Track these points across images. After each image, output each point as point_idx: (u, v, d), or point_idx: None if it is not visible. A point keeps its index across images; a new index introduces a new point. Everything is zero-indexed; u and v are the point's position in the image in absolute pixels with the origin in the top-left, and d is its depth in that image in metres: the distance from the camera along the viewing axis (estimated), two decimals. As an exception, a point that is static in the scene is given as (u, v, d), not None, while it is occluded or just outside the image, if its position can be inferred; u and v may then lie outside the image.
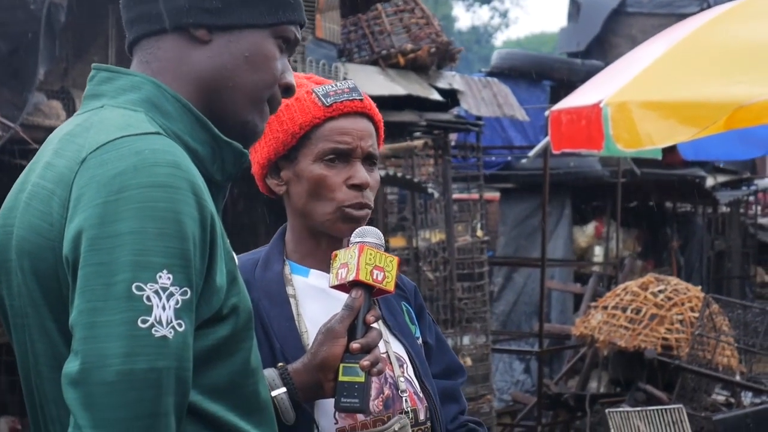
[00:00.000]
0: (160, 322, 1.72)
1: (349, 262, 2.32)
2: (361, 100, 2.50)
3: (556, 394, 10.44)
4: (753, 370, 9.47)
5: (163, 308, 1.73)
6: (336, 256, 2.37)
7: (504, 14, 52.07)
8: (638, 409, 7.35)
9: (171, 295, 1.74)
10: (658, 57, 5.85)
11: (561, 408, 10.48)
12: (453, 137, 10.17)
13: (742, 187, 17.17)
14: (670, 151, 14.54)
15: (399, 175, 7.33)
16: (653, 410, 7.12)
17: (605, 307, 9.84)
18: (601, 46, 15.63)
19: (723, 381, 9.21)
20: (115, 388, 1.68)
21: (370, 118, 2.53)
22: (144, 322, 1.71)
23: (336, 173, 2.46)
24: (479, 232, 9.67)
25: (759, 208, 19.20)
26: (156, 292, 1.73)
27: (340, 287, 2.35)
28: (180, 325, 1.74)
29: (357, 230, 2.40)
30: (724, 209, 17.67)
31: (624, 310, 9.67)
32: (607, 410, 7.25)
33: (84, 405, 1.69)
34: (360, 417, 2.41)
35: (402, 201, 9.59)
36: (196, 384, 1.80)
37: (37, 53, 5.70)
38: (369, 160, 2.51)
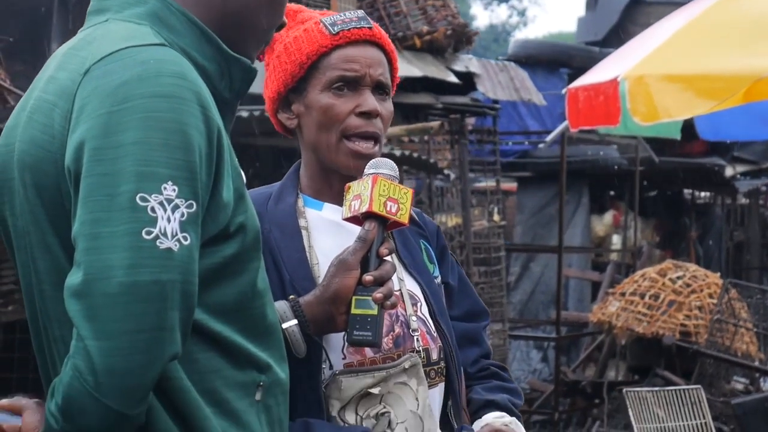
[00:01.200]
0: (164, 234, 1.68)
1: (362, 193, 2.27)
2: (370, 28, 2.44)
3: (574, 381, 10.39)
4: (773, 359, 9.40)
5: (168, 220, 1.69)
6: (349, 188, 2.32)
7: (522, 13, 51.93)
8: (657, 389, 7.28)
9: (176, 207, 1.70)
10: (676, 31, 5.81)
11: (578, 395, 10.43)
12: (470, 122, 10.12)
13: (762, 177, 17.06)
14: (689, 140, 14.54)
15: (415, 155, 7.27)
16: (672, 391, 7.07)
17: (623, 294, 9.79)
18: (619, 36, 15.52)
19: (742, 366, 9.14)
20: (118, 300, 1.64)
21: (381, 47, 2.46)
22: (148, 233, 1.68)
23: (344, 102, 2.40)
24: (496, 217, 9.61)
25: (777, 199, 19.07)
26: (161, 204, 1.69)
27: (354, 220, 2.30)
28: (185, 239, 1.70)
29: (371, 162, 2.33)
30: (743, 200, 17.57)
31: (642, 296, 9.62)
32: (624, 390, 7.19)
33: (87, 317, 1.65)
34: (369, 353, 2.36)
35: (419, 187, 9.56)
36: (201, 303, 1.76)
37: (50, 27, 5.68)
38: (380, 89, 2.44)
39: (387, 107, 2.45)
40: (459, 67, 8.91)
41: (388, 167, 2.31)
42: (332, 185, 2.45)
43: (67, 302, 1.68)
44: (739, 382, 9.59)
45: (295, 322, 2.22)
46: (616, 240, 14.15)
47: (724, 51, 5.61)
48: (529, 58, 13.71)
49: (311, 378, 2.30)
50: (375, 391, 2.32)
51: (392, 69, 2.49)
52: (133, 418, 1.68)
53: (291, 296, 2.26)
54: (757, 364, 9.15)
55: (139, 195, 1.68)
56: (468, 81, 9.08)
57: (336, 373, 2.32)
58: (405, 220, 2.28)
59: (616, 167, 13.19)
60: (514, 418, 2.51)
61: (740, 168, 15.66)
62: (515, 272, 13.43)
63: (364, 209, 2.25)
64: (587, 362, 11.07)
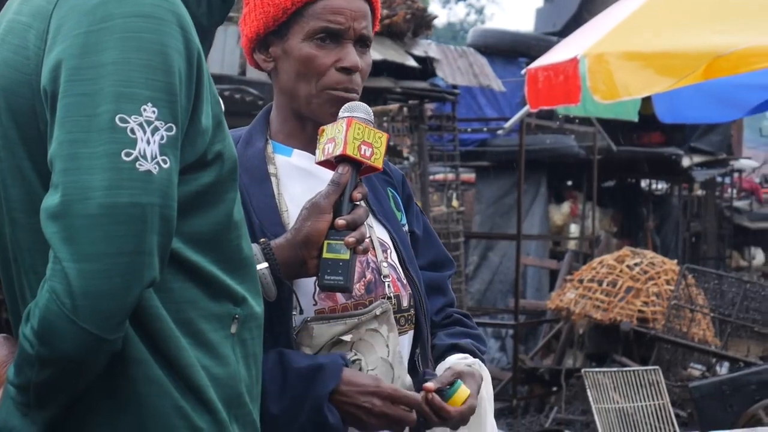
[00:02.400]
0: (144, 156, 1.65)
1: (336, 136, 2.23)
2: None
3: (532, 368, 10.41)
4: (728, 347, 9.44)
5: (148, 142, 1.65)
6: (323, 131, 2.28)
7: (480, 11, 51.99)
8: (615, 369, 7.29)
9: (156, 129, 1.66)
10: (636, 9, 5.78)
11: (536, 383, 10.45)
12: (429, 108, 10.11)
13: (718, 168, 17.18)
14: (646, 130, 14.60)
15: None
16: (630, 372, 7.07)
17: (581, 281, 9.81)
18: (577, 26, 15.52)
19: (698, 351, 9.18)
20: (97, 221, 1.61)
21: None
22: (128, 155, 1.64)
23: (325, 54, 2.36)
24: (455, 203, 9.61)
25: (734, 191, 19.21)
26: (140, 125, 1.65)
27: (327, 164, 2.26)
28: (165, 162, 1.67)
29: (346, 105, 2.30)
30: (699, 191, 17.69)
31: (600, 283, 9.64)
32: (583, 371, 7.19)
33: (64, 238, 1.61)
34: (340, 300, 2.33)
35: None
36: (178, 231, 1.72)
37: None
38: (362, 42, 2.40)
39: (367, 60, 2.42)
40: (418, 51, 8.89)
41: (363, 111, 2.28)
42: (304, 130, 2.42)
43: (44, 225, 1.64)
44: (695, 369, 9.63)
45: (266, 265, 2.19)
46: (574, 229, 14.19)
47: (684, 29, 5.60)
48: (488, 48, 13.67)
49: (282, 324, 2.27)
50: (346, 338, 2.30)
51: (375, 19, 2.46)
52: (110, 343, 1.64)
53: (262, 239, 2.23)
54: (713, 349, 9.20)
55: (118, 116, 1.64)
56: (427, 66, 9.05)
57: (307, 319, 2.29)
58: (379, 164, 2.26)
59: (574, 156, 13.22)
60: (477, 360, 2.50)
61: (697, 158, 15.75)
62: (474, 262, 13.43)
63: (338, 152, 2.22)
64: (545, 350, 11.10)
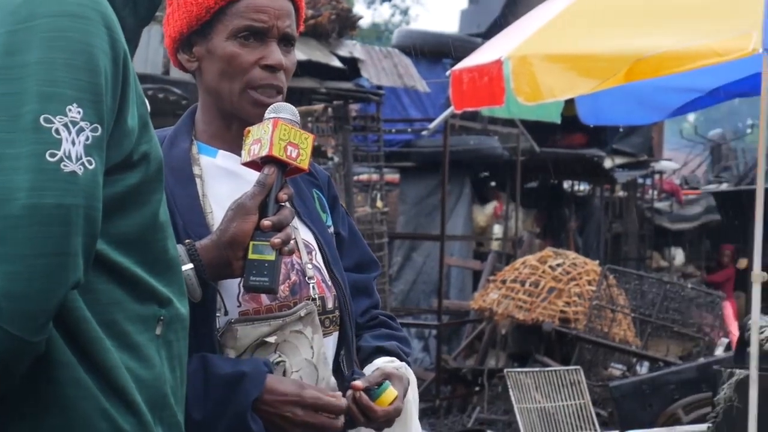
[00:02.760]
0: (69, 157, 1.61)
1: (262, 137, 2.21)
2: None
3: (455, 369, 10.46)
4: (648, 346, 9.56)
5: (73, 143, 1.62)
6: (249, 132, 2.26)
7: (405, 12, 52.06)
8: (537, 369, 7.35)
9: (81, 130, 1.63)
10: (559, 12, 5.83)
11: (459, 383, 10.50)
12: (354, 108, 10.11)
13: (639, 169, 17.37)
14: (569, 132, 14.72)
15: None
16: (552, 372, 7.13)
17: (504, 281, 9.88)
18: (501, 28, 15.58)
19: (619, 351, 9.29)
20: (20, 223, 1.57)
21: None
22: (52, 155, 1.60)
23: (249, 52, 2.34)
24: (379, 203, 9.61)
25: (655, 192, 19.44)
26: (65, 126, 1.62)
27: (252, 165, 2.24)
28: (90, 163, 1.64)
29: (272, 106, 2.28)
30: (621, 193, 17.88)
31: (522, 283, 9.71)
32: (506, 371, 7.24)
33: None
34: (265, 301, 2.32)
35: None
36: (103, 233, 1.70)
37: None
38: (286, 40, 2.38)
39: (291, 59, 2.40)
40: (343, 52, 8.89)
41: (289, 112, 2.26)
42: (230, 130, 2.40)
43: None
44: (616, 368, 9.74)
45: (191, 266, 2.17)
46: (497, 230, 14.27)
47: (607, 31, 5.66)
48: (412, 49, 13.69)
49: (206, 326, 2.25)
50: (271, 339, 2.29)
51: (299, 18, 2.45)
52: (33, 346, 1.61)
53: (187, 240, 2.21)
54: (633, 349, 9.30)
55: (43, 116, 1.61)
56: (352, 67, 9.05)
57: (231, 321, 2.28)
58: (305, 165, 2.24)
59: (497, 157, 13.29)
60: (404, 363, 2.50)
61: (618, 160, 15.92)
62: (398, 262, 13.46)
63: (264, 153, 2.20)
64: (468, 350, 11.16)
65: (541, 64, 5.52)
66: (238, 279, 2.24)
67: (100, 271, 1.73)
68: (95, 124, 1.65)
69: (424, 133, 11.14)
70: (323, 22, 8.56)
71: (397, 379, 2.41)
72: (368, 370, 2.46)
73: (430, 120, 10.70)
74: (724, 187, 19.62)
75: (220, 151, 2.41)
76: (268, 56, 2.34)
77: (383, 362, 2.46)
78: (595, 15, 5.84)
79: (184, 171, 2.37)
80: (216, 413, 2.19)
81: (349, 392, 2.31)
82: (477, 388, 10.14)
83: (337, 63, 8.65)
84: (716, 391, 5.73)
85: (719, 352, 8.82)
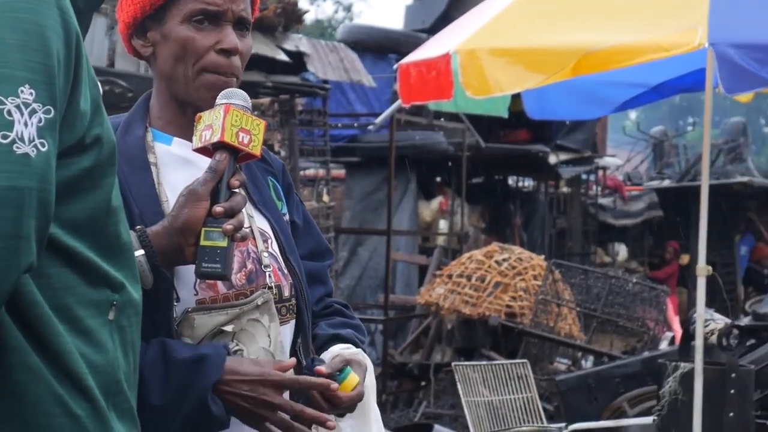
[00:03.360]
0: (21, 139, 1.59)
1: (213, 123, 2.20)
2: None
3: (401, 363, 10.46)
4: (592, 341, 9.62)
5: (25, 125, 1.60)
6: (200, 118, 2.24)
7: (348, 8, 52.04)
8: (485, 363, 7.37)
9: (33, 111, 1.61)
10: (506, 6, 5.84)
11: (405, 378, 10.50)
12: (300, 102, 10.09)
13: (583, 165, 17.47)
14: (513, 127, 14.78)
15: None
16: (499, 365, 7.16)
17: (450, 276, 9.89)
18: (446, 24, 15.57)
19: (565, 345, 9.33)
20: None
21: None
22: (5, 137, 1.58)
23: (204, 36, 2.33)
24: (325, 198, 9.60)
25: (599, 188, 19.57)
26: (17, 107, 1.60)
27: (204, 151, 2.23)
28: (43, 145, 1.62)
29: (223, 92, 2.26)
30: (565, 189, 17.97)
31: (469, 278, 9.73)
32: (453, 364, 7.26)
33: None
34: (221, 290, 2.31)
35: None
36: (55, 217, 1.68)
37: None
38: (241, 24, 2.37)
39: (246, 43, 2.39)
40: (289, 46, 8.86)
41: (241, 98, 2.24)
42: (185, 116, 2.38)
43: None
44: (561, 363, 9.79)
45: (142, 252, 2.15)
46: (443, 225, 14.30)
47: (553, 26, 5.68)
48: (357, 43, 13.66)
49: (163, 315, 2.24)
50: (228, 328, 2.27)
51: (254, 3, 2.44)
52: None
53: (138, 227, 2.19)
54: (579, 343, 9.35)
55: None
56: (298, 61, 9.02)
57: (188, 310, 2.26)
58: (257, 151, 2.23)
59: (443, 152, 13.31)
60: (360, 350, 2.50)
61: (563, 156, 16.01)
62: (343, 257, 13.44)
63: (215, 139, 2.19)
64: (414, 345, 11.17)
65: (488, 58, 5.52)
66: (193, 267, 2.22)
67: (53, 256, 1.71)
68: (48, 106, 1.64)
69: (370, 127, 11.14)
70: (269, 15, 8.52)
71: (357, 365, 2.42)
72: (326, 357, 2.46)
73: (376, 115, 10.71)
74: (667, 183, 19.77)
75: (175, 139, 2.39)
76: (223, 40, 2.33)
77: (340, 348, 2.47)
78: (543, 9, 5.86)
79: (139, 158, 2.35)
80: (176, 397, 2.17)
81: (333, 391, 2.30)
82: (423, 383, 10.15)
83: (283, 57, 8.63)
84: (661, 384, 5.77)
85: (663, 345, 8.89)
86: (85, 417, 1.71)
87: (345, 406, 2.35)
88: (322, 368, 2.31)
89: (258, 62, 8.31)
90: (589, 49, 5.33)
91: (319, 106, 9.77)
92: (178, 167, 2.35)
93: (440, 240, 13.69)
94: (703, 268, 5.66)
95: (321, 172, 10.25)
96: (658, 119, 36.86)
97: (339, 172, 14.70)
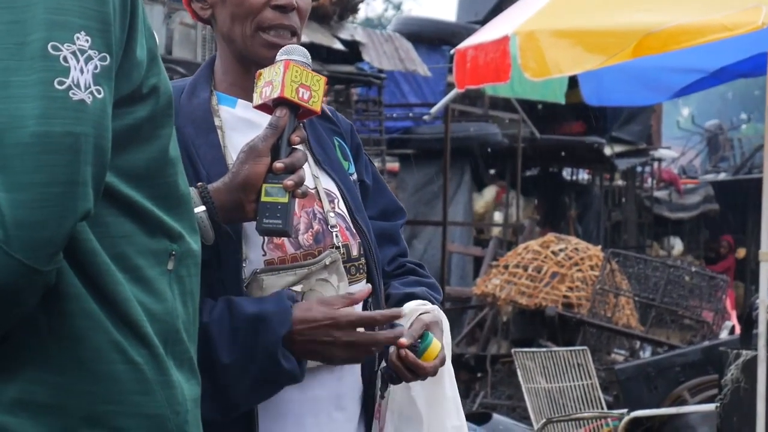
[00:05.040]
0: (77, 85, 1.58)
1: (273, 79, 2.17)
2: None
3: (457, 354, 10.42)
4: (649, 334, 9.54)
5: (81, 71, 1.59)
6: (260, 74, 2.22)
7: (398, 6, 52.16)
8: (544, 350, 7.32)
9: (89, 58, 1.60)
10: (566, -13, 5.80)
11: (462, 369, 10.46)
12: (354, 92, 10.09)
13: (639, 157, 17.35)
14: (567, 119, 14.70)
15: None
16: (559, 352, 7.11)
17: (506, 267, 9.84)
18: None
19: (623, 334, 9.26)
20: (29, 150, 1.54)
21: None
22: (61, 83, 1.57)
23: None
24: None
25: (654, 181, 19.43)
26: (73, 54, 1.59)
27: (264, 108, 2.21)
28: (99, 92, 1.60)
29: (283, 48, 2.23)
30: (620, 182, 17.86)
31: (525, 269, 9.68)
32: (513, 350, 7.21)
33: None
34: (289, 250, 2.29)
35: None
36: (113, 166, 1.66)
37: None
38: None
39: (305, 0, 2.36)
40: (344, 35, 8.85)
41: (301, 54, 2.22)
42: (247, 77, 2.35)
43: None
44: (619, 354, 9.72)
45: (203, 208, 2.14)
46: (498, 217, 14.25)
47: (614, 7, 5.63)
48: (411, 35, 13.64)
49: (231, 275, 2.23)
50: (297, 288, 2.26)
51: None
52: (43, 275, 1.58)
53: (199, 183, 2.18)
54: (638, 333, 9.27)
55: (50, 43, 1.57)
56: (353, 50, 9.01)
57: (257, 271, 2.25)
58: (317, 107, 2.20)
59: (497, 144, 13.26)
60: (436, 306, 2.46)
61: (618, 148, 15.91)
62: (398, 250, 13.40)
63: (275, 95, 2.17)
64: (470, 337, 11.13)
65: (548, 39, 5.47)
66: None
67: (111, 205, 1.70)
68: (104, 53, 1.62)
69: (425, 117, 11.11)
70: (325, 4, 8.52)
71: (435, 326, 2.38)
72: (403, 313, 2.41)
73: (430, 106, 10.67)
74: (723, 176, 19.61)
75: (239, 101, 2.38)
76: None
77: (415, 305, 2.42)
78: (602, -10, 5.81)
79: (205, 121, 2.34)
80: (245, 356, 2.16)
81: (393, 349, 2.28)
82: (479, 374, 10.11)
83: (339, 46, 8.62)
84: (722, 373, 5.70)
85: (723, 335, 8.79)
86: (144, 364, 1.71)
87: (428, 375, 2.31)
88: (403, 340, 2.27)
89: (313, 51, 8.30)
90: (649, 30, 5.27)
91: (374, 95, 9.75)
92: (243, 129, 2.34)
93: (495, 231, 13.64)
94: (765, 254, 5.58)
95: (376, 164, 10.24)
96: (712, 114, 36.58)
97: (392, 165, 14.69)
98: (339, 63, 8.84)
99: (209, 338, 2.11)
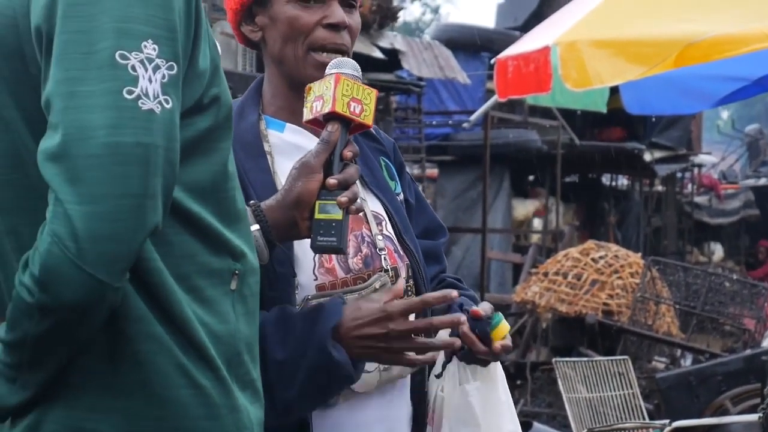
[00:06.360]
0: (146, 95, 1.56)
1: (324, 93, 2.12)
2: None
3: (497, 362, 10.39)
4: (690, 341, 9.49)
5: (150, 80, 1.56)
6: (310, 89, 2.18)
7: (435, 10, 52.06)
8: (585, 359, 7.29)
9: (157, 67, 1.58)
10: (605, -1, 5.79)
11: (502, 376, 10.43)
12: (394, 100, 10.10)
13: (679, 163, 17.26)
14: (606, 125, 14.65)
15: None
16: (600, 362, 7.07)
17: (546, 274, 9.81)
18: (539, 21, 15.47)
19: (664, 342, 9.21)
20: (101, 162, 1.51)
21: None
22: (130, 93, 1.55)
23: (311, 13, 2.30)
24: (421, 196, 9.59)
25: (694, 186, 19.32)
26: (141, 62, 1.56)
27: (315, 123, 2.17)
28: (167, 101, 1.58)
29: (332, 61, 2.19)
30: (660, 187, 17.77)
31: (565, 276, 9.64)
32: (554, 360, 7.18)
33: (68, 179, 1.51)
34: (340, 274, 2.27)
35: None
36: (177, 180, 1.63)
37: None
38: (347, 1, 2.34)
39: (355, 19, 2.36)
40: (384, 43, 8.87)
41: (351, 67, 2.18)
42: (297, 100, 2.32)
43: (43, 167, 1.54)
44: (660, 362, 9.67)
45: (257, 227, 2.11)
46: (538, 224, 14.22)
47: (655, 17, 5.60)
48: (449, 42, 13.63)
49: (283, 300, 2.21)
50: None
51: None
52: (113, 291, 1.56)
53: (252, 201, 2.15)
54: (679, 341, 9.23)
55: (118, 52, 1.55)
56: (393, 59, 9.02)
57: (309, 297, 2.24)
58: (369, 121, 2.16)
59: (537, 151, 13.24)
60: None
61: (658, 154, 15.83)
62: (437, 257, 13.40)
63: (326, 110, 2.12)
64: (509, 344, 11.09)
65: (589, 49, 5.46)
66: (312, 254, 2.20)
67: (175, 222, 1.67)
68: (171, 62, 1.60)
69: (465, 125, 11.09)
70: (364, 13, 8.53)
71: None
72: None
73: (470, 113, 10.67)
74: (763, 181, 19.48)
75: (288, 125, 2.37)
76: (331, 15, 2.30)
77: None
78: (643, 0, 5.80)
79: (255, 145, 2.33)
80: (297, 348, 2.14)
81: (464, 321, 2.23)
82: (519, 382, 10.09)
83: (378, 54, 8.63)
84: (765, 382, 5.67)
85: (766, 344, 8.73)
86: (210, 388, 1.68)
87: (496, 354, 2.27)
88: (477, 309, 2.23)
89: (353, 60, 8.33)
90: (691, 40, 5.25)
91: (413, 103, 9.76)
92: (291, 155, 2.30)
93: (535, 238, 13.61)
94: (809, 262, 5.54)
95: (416, 170, 10.23)
96: (752, 118, 36.32)
97: (432, 171, 14.68)
98: (378, 71, 8.85)
99: (262, 338, 2.05)
